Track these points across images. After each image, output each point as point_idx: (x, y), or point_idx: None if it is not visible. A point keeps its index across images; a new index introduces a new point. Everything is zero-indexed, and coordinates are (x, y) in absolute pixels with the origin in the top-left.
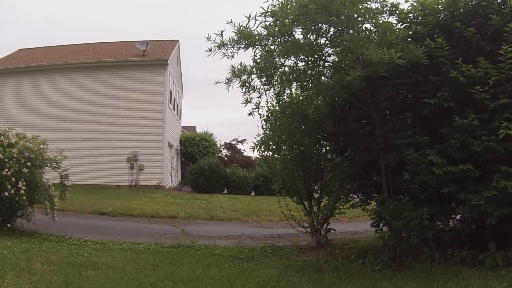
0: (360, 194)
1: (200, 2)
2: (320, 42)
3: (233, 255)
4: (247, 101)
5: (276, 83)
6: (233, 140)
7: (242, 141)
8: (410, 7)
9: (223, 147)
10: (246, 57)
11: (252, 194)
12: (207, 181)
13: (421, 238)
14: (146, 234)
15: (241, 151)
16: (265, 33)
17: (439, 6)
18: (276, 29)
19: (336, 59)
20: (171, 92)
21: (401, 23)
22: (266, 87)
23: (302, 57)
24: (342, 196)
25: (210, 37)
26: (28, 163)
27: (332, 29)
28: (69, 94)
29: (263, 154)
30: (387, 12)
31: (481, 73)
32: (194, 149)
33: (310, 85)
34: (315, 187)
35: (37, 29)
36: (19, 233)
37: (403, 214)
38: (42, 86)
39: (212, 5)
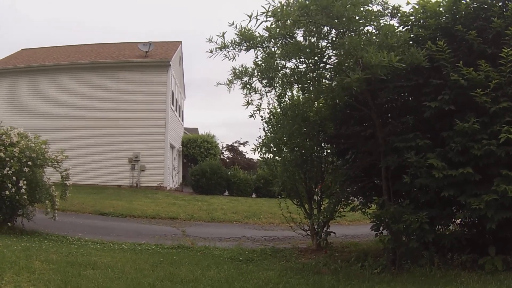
0: (360, 197)
1: (201, 2)
2: (321, 45)
3: (233, 257)
4: (248, 103)
5: (278, 85)
6: (235, 142)
7: (244, 143)
8: (411, 10)
9: (225, 149)
10: (248, 58)
11: (253, 196)
12: (208, 182)
13: (421, 242)
14: (146, 235)
15: (243, 153)
16: (267, 35)
17: (441, 9)
18: (278, 30)
19: (337, 62)
20: (173, 93)
21: (402, 26)
22: (267, 89)
23: (303, 59)
24: (342, 199)
25: (211, 38)
26: (30, 163)
27: (333, 31)
28: (71, 95)
29: (264, 156)
30: (389, 14)
31: (482, 76)
32: (196, 150)
33: (311, 87)
34: (316, 190)
35: (37, 30)
36: (20, 232)
37: (403, 217)
38: (44, 86)
39: (212, 5)
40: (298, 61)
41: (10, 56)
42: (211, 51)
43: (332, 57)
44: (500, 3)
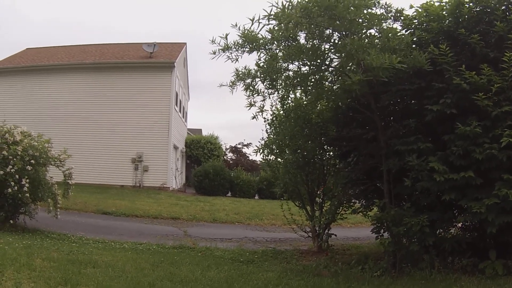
0: (362, 200)
1: (201, 2)
2: (324, 47)
3: (234, 258)
4: (251, 105)
5: (280, 87)
6: (239, 144)
7: (247, 145)
8: (414, 13)
9: (228, 150)
10: (251, 60)
11: (256, 197)
12: (211, 183)
13: (422, 245)
14: (148, 235)
15: (247, 154)
16: (270, 37)
17: (444, 13)
18: (280, 33)
19: (339, 64)
20: (177, 94)
21: (405, 29)
22: (270, 91)
23: (306, 61)
24: (344, 201)
25: (214, 40)
26: (32, 161)
27: (335, 33)
28: (75, 94)
29: (266, 158)
30: (392, 18)
31: (484, 80)
32: (199, 151)
33: (313, 89)
34: (318, 192)
35: (37, 30)
36: (21, 230)
37: (404, 220)
38: (48, 85)
39: (212, 5)
40: (301, 63)
41: (15, 55)
42: (214, 53)
43: (335, 60)
44: (503, 7)
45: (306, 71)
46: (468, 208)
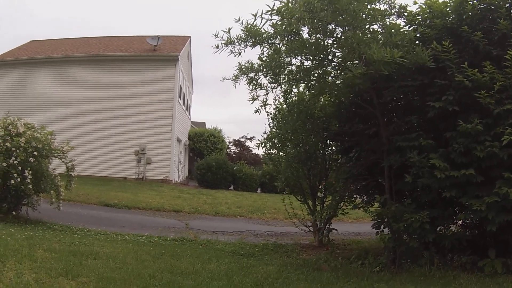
0: (363, 195)
1: (201, 2)
2: (326, 42)
3: (234, 251)
4: (254, 99)
5: (283, 81)
6: (242, 137)
7: (250, 139)
8: (418, 9)
9: (231, 144)
10: (254, 55)
11: (259, 191)
12: (214, 177)
13: (422, 242)
14: (150, 227)
15: (250, 148)
16: (272, 31)
17: (448, 9)
18: (283, 27)
19: (341, 59)
20: (181, 87)
21: (408, 25)
22: (273, 85)
23: (309, 56)
24: (346, 197)
25: (217, 34)
26: (35, 153)
27: (338, 28)
28: (79, 87)
29: (269, 151)
30: (395, 14)
31: (487, 77)
32: (202, 144)
33: (316, 84)
34: (320, 187)
35: (42, 26)
36: (24, 221)
37: (404, 216)
38: (52, 77)
39: (212, 5)
40: (304, 58)
41: (19, 47)
42: (217, 47)
43: (337, 55)
44: (507, 5)
45: (309, 66)
46: (468, 205)
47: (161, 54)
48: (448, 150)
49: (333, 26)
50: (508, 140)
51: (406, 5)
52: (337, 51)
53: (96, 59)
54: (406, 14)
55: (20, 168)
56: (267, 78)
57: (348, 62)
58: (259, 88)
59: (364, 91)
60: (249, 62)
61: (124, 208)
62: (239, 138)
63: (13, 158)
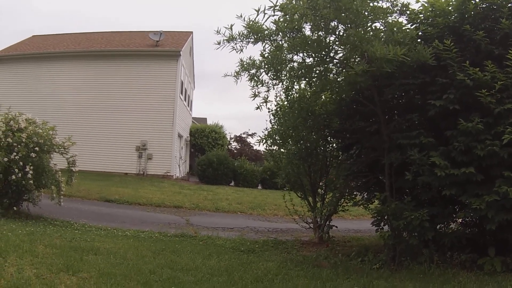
0: (363, 192)
1: (201, 2)
2: (329, 39)
3: (235, 247)
4: (255, 95)
5: (285, 78)
6: (243, 133)
7: (252, 135)
8: (420, 8)
9: (233, 139)
10: (255, 51)
11: (259, 187)
12: (215, 172)
13: (421, 240)
14: (150, 223)
15: (251, 144)
16: (274, 28)
17: (450, 8)
18: (286, 24)
19: (343, 56)
20: (182, 83)
21: (411, 24)
22: (274, 81)
23: (310, 53)
24: (346, 193)
25: (219, 30)
26: (36, 148)
27: (341, 26)
28: (81, 82)
29: (270, 148)
30: (398, 12)
31: (488, 77)
32: (204, 140)
33: (317, 81)
34: (320, 183)
35: (46, 21)
36: (25, 217)
37: (404, 214)
38: (53, 72)
39: (212, 5)
40: (306, 55)
41: (21, 42)
42: (219, 43)
43: (339, 52)
44: (509, 4)
45: (310, 63)
46: (468, 204)
47: (163, 50)
48: (448, 149)
49: (335, 23)
50: (508, 139)
51: (409, 3)
52: (339, 48)
53: (98, 54)
54: (408, 12)
55: (21, 163)
56: (269, 74)
57: (352, 59)
58: (261, 85)
59: (366, 89)
60: (251, 58)
61: (125, 204)
62: (240, 134)
63: (15, 154)
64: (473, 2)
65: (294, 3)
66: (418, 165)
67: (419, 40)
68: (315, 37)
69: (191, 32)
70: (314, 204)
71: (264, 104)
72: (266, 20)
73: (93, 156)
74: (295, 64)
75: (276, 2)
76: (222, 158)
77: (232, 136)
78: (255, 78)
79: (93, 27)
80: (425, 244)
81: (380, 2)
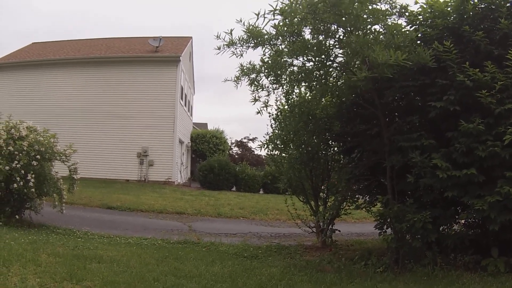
0: (366, 195)
1: (201, 2)
2: (328, 43)
3: (238, 253)
4: (255, 99)
5: (285, 82)
6: (244, 138)
7: (253, 139)
8: (419, 9)
9: (234, 144)
10: (255, 56)
11: (261, 192)
12: (216, 178)
13: (424, 242)
14: (153, 230)
15: (252, 149)
16: (274, 32)
17: (449, 9)
18: (285, 28)
19: (344, 60)
20: (182, 88)
21: (410, 25)
22: (274, 86)
23: (310, 57)
24: (348, 197)
25: (219, 35)
26: (38, 156)
27: (340, 29)
28: (81, 88)
29: (271, 152)
30: (397, 14)
31: (488, 77)
32: (205, 146)
33: (318, 85)
34: (322, 187)
35: (46, 22)
36: (27, 225)
37: (407, 216)
38: (54, 80)
39: (212, 5)
40: (306, 59)
41: (21, 49)
42: (219, 48)
43: (339, 56)
44: (508, 4)
45: (310, 67)
46: (470, 205)
47: (162, 55)
48: (449, 150)
49: (335, 26)
50: (509, 139)
51: (407, 5)
52: (340, 52)
53: (98, 60)
54: (407, 14)
55: (23, 171)
56: (269, 79)
57: (352, 63)
58: (261, 89)
59: (366, 92)
60: (251, 63)
61: (127, 211)
62: (241, 139)
63: (16, 162)
64: (472, 2)
65: (293, 7)
66: (419, 167)
67: (418, 42)
68: (315, 41)
69: (191, 37)
70: (317, 208)
71: (265, 108)
72: (266, 24)
73: (94, 163)
74: (295, 68)
75: (276, 6)
76: (223, 163)
77: (233, 141)
78: (255, 82)
79: (92, 27)
80: (428, 246)
81: (379, 4)
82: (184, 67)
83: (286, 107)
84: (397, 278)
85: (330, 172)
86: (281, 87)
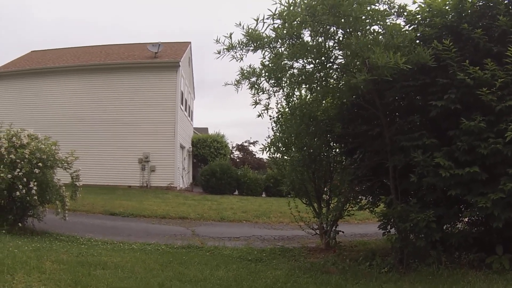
0: (368, 196)
1: (201, 2)
2: (328, 45)
3: (242, 256)
4: (256, 103)
5: (285, 85)
6: (245, 142)
7: (254, 143)
8: (418, 9)
9: (235, 148)
10: (255, 59)
11: (263, 195)
12: (218, 182)
13: (428, 241)
14: (156, 235)
15: (253, 152)
16: (274, 35)
17: (447, 8)
18: (285, 31)
19: (344, 62)
20: (182, 93)
21: (409, 25)
22: (275, 89)
23: (310, 59)
24: (351, 198)
25: (219, 39)
26: (40, 164)
27: (340, 31)
28: (81, 96)
29: (273, 155)
30: (395, 13)
31: (488, 75)
32: (206, 150)
33: (318, 87)
34: (325, 189)
35: (46, 30)
36: (30, 233)
37: (410, 216)
38: (54, 87)
39: (212, 5)
40: (306, 61)
41: (20, 58)
42: (219, 52)
43: (339, 57)
44: (506, 1)
45: (310, 69)
46: (474, 203)
47: (162, 61)
48: (451, 149)
49: (334, 28)
50: (511, 136)
51: (406, 5)
52: (339, 54)
53: (98, 67)
54: (405, 13)
55: (25, 179)
56: (269, 82)
57: (352, 64)
58: (261, 92)
59: (366, 93)
60: (251, 66)
61: (130, 217)
62: (242, 142)
63: (18, 170)
64: (470, 0)
65: (292, 9)
66: (422, 167)
67: (418, 41)
68: (315, 43)
69: (189, 43)
70: (320, 210)
71: (266, 111)
72: (265, 29)
73: (96, 170)
74: (295, 70)
75: (275, 10)
76: (225, 167)
77: (234, 145)
78: (256, 86)
79: (91, 32)
80: (432, 246)
81: (377, 5)
82: (184, 72)
83: (287, 109)
84: (402, 278)
85: (332, 174)
86: (281, 90)
